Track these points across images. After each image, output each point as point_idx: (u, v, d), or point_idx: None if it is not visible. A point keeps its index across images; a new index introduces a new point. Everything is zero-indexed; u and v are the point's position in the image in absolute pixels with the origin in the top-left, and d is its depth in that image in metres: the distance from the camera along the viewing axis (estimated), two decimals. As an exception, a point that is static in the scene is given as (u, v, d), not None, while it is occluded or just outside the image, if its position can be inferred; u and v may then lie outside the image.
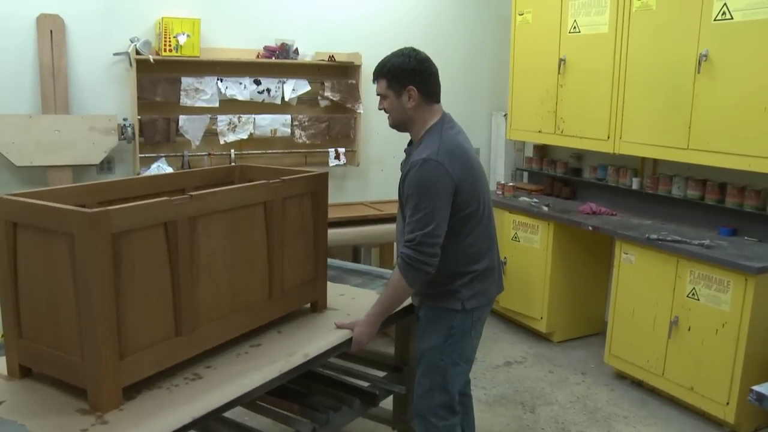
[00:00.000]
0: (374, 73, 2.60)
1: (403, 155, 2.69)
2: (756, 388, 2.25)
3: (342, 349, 2.60)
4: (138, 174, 4.46)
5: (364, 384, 3.01)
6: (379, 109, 2.66)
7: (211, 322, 2.27)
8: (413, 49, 2.60)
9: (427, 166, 2.42)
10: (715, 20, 3.71)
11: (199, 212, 2.16)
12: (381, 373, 3.19)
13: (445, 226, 2.45)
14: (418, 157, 2.45)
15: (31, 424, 1.85)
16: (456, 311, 2.60)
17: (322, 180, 2.73)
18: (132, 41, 4.38)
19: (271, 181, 2.47)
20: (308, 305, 2.81)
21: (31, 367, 2.10)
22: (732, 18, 3.63)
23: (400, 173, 2.62)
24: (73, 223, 1.84)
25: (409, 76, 2.52)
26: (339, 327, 2.60)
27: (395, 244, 2.85)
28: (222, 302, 2.31)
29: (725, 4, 3.64)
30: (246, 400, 2.21)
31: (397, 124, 2.63)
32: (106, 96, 4.48)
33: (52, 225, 1.89)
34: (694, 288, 3.67)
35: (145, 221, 1.98)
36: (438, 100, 2.63)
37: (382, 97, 2.59)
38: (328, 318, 2.75)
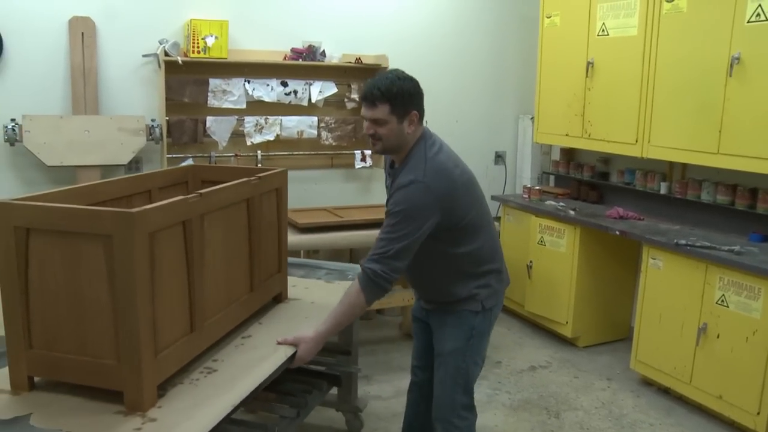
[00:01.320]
0: (373, 98, 2.42)
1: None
2: (787, 397, 2.21)
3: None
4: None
5: (322, 368, 3.09)
6: (370, 133, 2.49)
7: (214, 316, 2.34)
8: (404, 72, 2.52)
9: (412, 188, 2.40)
10: (748, 22, 3.65)
11: (206, 210, 2.22)
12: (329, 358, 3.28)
13: (414, 250, 2.44)
14: (405, 178, 2.42)
15: (78, 430, 1.85)
16: (476, 312, 2.63)
17: (283, 177, 2.85)
18: (161, 43, 4.42)
19: (251, 179, 2.56)
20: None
21: (46, 377, 2.06)
22: (767, 19, 3.57)
23: (387, 194, 2.65)
24: (113, 224, 1.84)
25: (414, 100, 2.47)
26: (281, 343, 2.45)
27: None
28: (221, 296, 2.39)
29: (760, 5, 3.58)
30: (264, 387, 2.28)
31: (391, 149, 2.53)
32: (135, 97, 4.53)
33: (82, 227, 1.88)
34: (723, 295, 3.61)
35: (169, 220, 2.01)
36: (423, 121, 2.58)
37: (379, 122, 2.44)
38: (294, 308, 2.90)
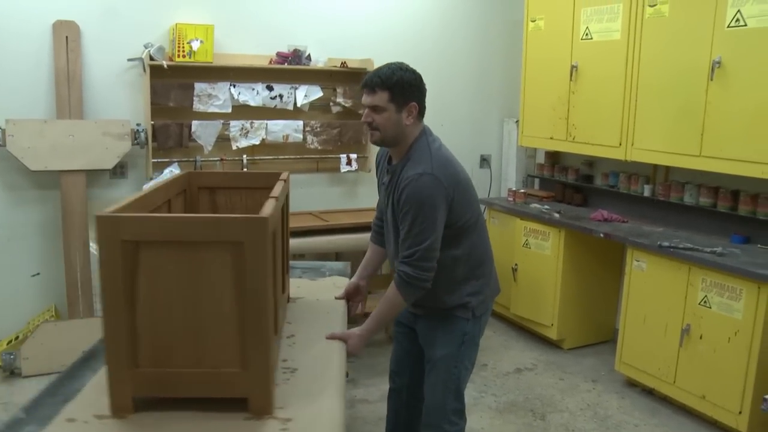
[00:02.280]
0: (373, 84, 2.45)
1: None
2: (768, 396, 2.24)
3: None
4: (151, 179, 4.49)
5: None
6: (367, 121, 2.51)
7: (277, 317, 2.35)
8: (407, 64, 2.54)
9: (423, 180, 2.40)
10: (728, 27, 3.70)
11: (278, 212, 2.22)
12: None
13: (440, 240, 2.46)
14: (413, 171, 2.43)
15: None
16: (467, 319, 2.64)
17: (287, 180, 2.78)
18: (146, 47, 4.41)
19: (282, 179, 2.54)
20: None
21: (154, 395, 1.97)
22: (746, 25, 3.61)
23: (381, 188, 2.69)
24: (245, 230, 1.82)
25: (414, 91, 2.50)
26: (330, 338, 2.46)
27: (389, 259, 2.87)
28: (277, 295, 2.34)
29: (739, 10, 3.63)
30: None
31: (387, 140, 2.52)
32: (120, 101, 4.51)
33: (206, 236, 1.84)
34: (706, 296, 3.65)
35: (275, 224, 2.03)
36: (423, 117, 2.62)
37: (377, 109, 2.46)
38: (304, 306, 2.87)
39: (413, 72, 2.52)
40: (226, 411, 1.94)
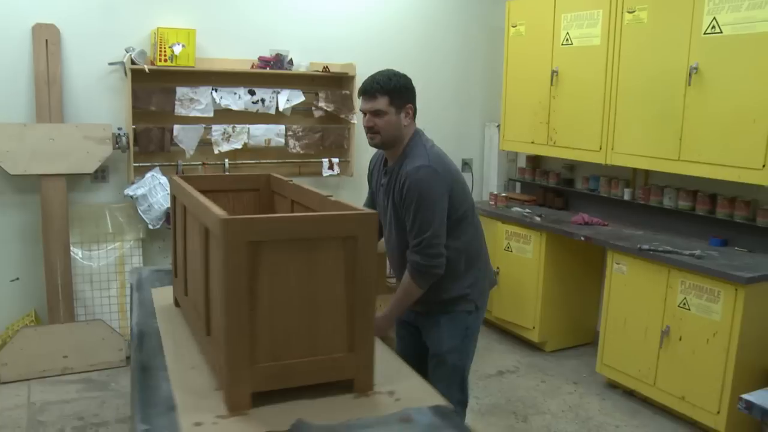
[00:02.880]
0: (373, 90, 2.60)
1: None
2: (745, 396, 2.27)
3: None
4: (132, 183, 4.47)
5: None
6: (368, 126, 2.64)
7: None
8: (397, 70, 2.70)
9: (422, 172, 2.54)
10: (705, 34, 3.76)
11: None
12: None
13: (445, 228, 2.57)
14: (411, 166, 2.56)
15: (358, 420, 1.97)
16: (469, 312, 2.74)
17: None
18: (127, 51, 4.40)
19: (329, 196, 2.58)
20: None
21: (272, 388, 2.01)
22: (721, 32, 3.68)
23: (379, 190, 2.76)
24: (359, 225, 2.00)
25: (410, 94, 2.67)
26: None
27: (387, 257, 2.93)
28: None
29: (714, 18, 3.69)
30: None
31: (387, 142, 2.65)
32: (101, 105, 4.49)
33: (323, 233, 1.97)
34: (685, 298, 3.70)
35: None
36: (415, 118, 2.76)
37: (377, 113, 2.60)
38: None
39: (406, 76, 2.69)
40: (332, 394, 2.07)
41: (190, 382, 2.13)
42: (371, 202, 2.93)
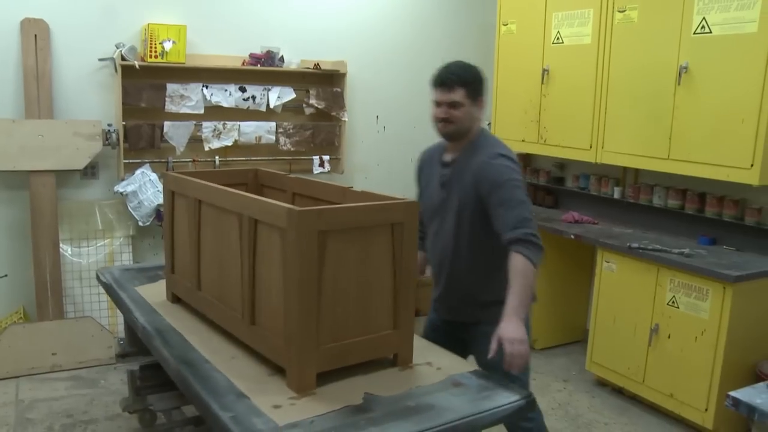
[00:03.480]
0: (449, 82, 2.60)
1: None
2: (733, 393, 2.28)
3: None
4: (122, 179, 4.45)
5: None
6: (442, 118, 2.63)
7: None
8: (468, 62, 2.70)
9: (503, 159, 2.56)
10: (694, 33, 3.78)
11: None
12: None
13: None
14: (489, 153, 2.58)
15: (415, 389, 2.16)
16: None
17: None
18: (117, 47, 4.38)
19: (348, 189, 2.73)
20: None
21: (332, 367, 2.18)
22: (711, 32, 3.69)
23: (430, 184, 2.74)
24: (404, 212, 2.21)
25: (483, 86, 2.69)
26: (493, 351, 2.33)
27: (434, 253, 2.81)
28: None
29: (704, 18, 3.71)
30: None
31: (460, 132, 2.66)
32: (91, 101, 4.47)
33: (376, 220, 2.17)
34: (674, 296, 3.72)
35: None
36: None
37: (455, 104, 2.60)
38: None
39: (478, 68, 2.69)
40: (378, 369, 2.27)
41: (240, 371, 2.24)
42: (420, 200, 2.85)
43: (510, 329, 2.33)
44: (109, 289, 3.19)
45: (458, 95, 2.60)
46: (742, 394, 2.28)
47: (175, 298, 2.92)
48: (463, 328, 2.75)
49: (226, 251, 2.44)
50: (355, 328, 2.18)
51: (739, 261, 3.71)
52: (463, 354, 2.60)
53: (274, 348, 2.19)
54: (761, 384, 2.38)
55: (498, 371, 2.38)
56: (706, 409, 3.58)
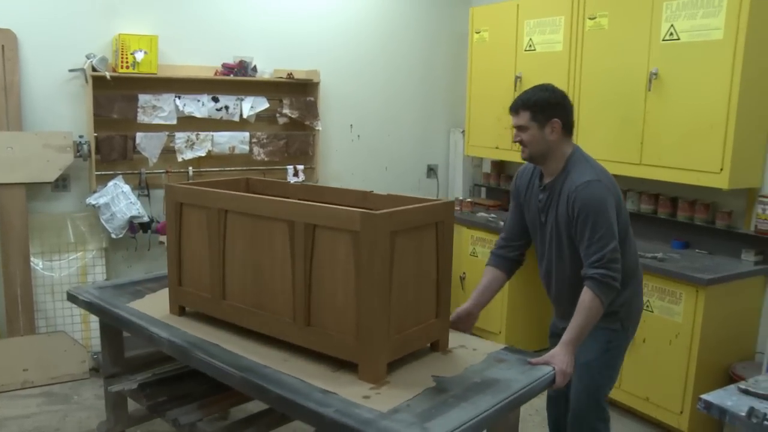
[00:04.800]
0: (515, 107, 2.65)
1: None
2: (704, 396, 2.31)
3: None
4: (94, 191, 4.40)
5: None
6: (515, 141, 2.69)
7: None
8: (553, 85, 2.68)
9: (593, 187, 2.53)
10: (663, 40, 3.83)
11: None
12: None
13: (617, 244, 2.53)
14: (580, 181, 2.54)
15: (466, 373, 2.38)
16: (614, 330, 2.70)
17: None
18: (88, 57, 4.33)
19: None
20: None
21: (397, 357, 2.36)
22: (679, 39, 3.75)
23: (531, 206, 2.76)
24: (444, 211, 2.41)
25: (555, 108, 2.62)
26: (534, 363, 2.47)
27: (548, 280, 2.92)
28: None
29: (672, 25, 3.77)
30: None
31: (535, 156, 2.66)
32: (62, 113, 4.41)
33: (426, 219, 2.35)
34: (648, 300, 3.75)
35: None
36: (572, 133, 2.71)
37: (522, 128, 2.63)
38: None
39: (553, 91, 2.65)
40: (422, 355, 2.49)
41: (304, 371, 2.34)
42: (518, 215, 2.89)
43: (564, 360, 2.46)
44: (96, 307, 3.11)
45: (522, 119, 2.63)
46: (714, 396, 2.30)
47: (181, 311, 2.91)
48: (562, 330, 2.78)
49: (265, 258, 2.51)
50: (411, 319, 2.36)
51: (710, 264, 3.76)
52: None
53: (339, 345, 2.32)
54: (732, 386, 2.40)
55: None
56: (681, 412, 3.61)
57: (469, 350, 2.59)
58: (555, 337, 2.91)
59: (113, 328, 3.18)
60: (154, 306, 3.02)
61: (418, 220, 2.32)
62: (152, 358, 3.35)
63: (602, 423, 2.80)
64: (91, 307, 3.15)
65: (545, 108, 2.60)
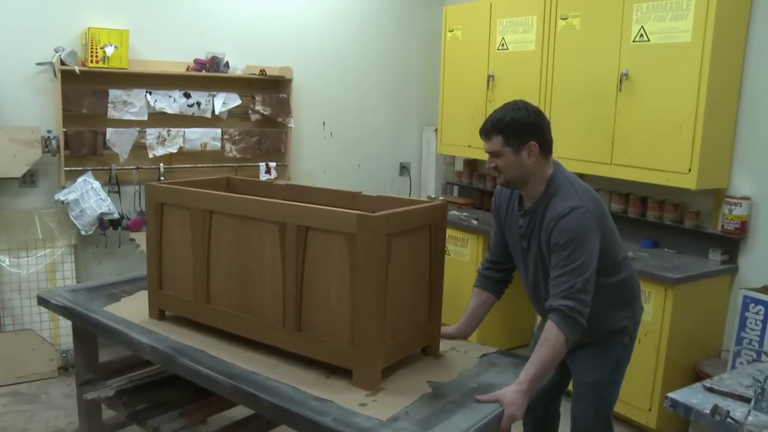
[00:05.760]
0: (486, 130, 2.41)
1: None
2: (671, 394, 2.35)
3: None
4: (63, 187, 4.34)
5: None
6: (489, 167, 2.47)
7: None
8: (525, 102, 2.45)
9: (575, 215, 2.32)
10: (633, 41, 3.87)
11: None
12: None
13: (594, 275, 2.34)
14: (563, 207, 2.34)
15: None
16: (623, 345, 2.62)
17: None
18: (56, 51, 4.26)
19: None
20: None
21: (390, 363, 2.32)
22: (649, 40, 3.79)
23: (519, 236, 2.55)
24: (439, 213, 2.41)
25: (530, 130, 2.38)
26: (483, 401, 2.20)
27: (536, 303, 2.76)
28: None
29: (642, 26, 3.81)
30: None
31: (512, 181, 2.45)
32: (29, 107, 4.34)
33: (421, 222, 2.35)
34: (617, 298, 3.79)
35: None
36: (551, 152, 2.50)
37: (495, 154, 2.40)
38: None
39: (526, 110, 2.41)
40: (413, 361, 2.45)
41: (296, 378, 2.29)
42: (500, 236, 2.71)
43: (515, 403, 2.19)
44: (71, 312, 3.01)
45: (495, 144, 2.39)
46: (680, 395, 2.34)
47: (161, 315, 2.83)
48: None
49: (253, 261, 2.45)
50: (405, 323, 2.34)
51: (679, 263, 3.81)
52: (563, 371, 2.72)
53: (332, 350, 2.27)
54: (697, 384, 2.44)
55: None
56: (650, 409, 3.66)
57: (460, 353, 2.58)
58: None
59: (87, 332, 3.08)
60: (132, 310, 2.93)
61: (413, 222, 2.30)
62: (127, 363, 3.27)
63: None
64: (65, 311, 3.05)
65: (519, 130, 2.36)
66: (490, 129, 2.40)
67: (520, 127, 2.37)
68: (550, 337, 2.27)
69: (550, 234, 2.36)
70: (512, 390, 2.21)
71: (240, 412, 3.04)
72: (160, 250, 2.78)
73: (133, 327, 2.75)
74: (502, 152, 2.39)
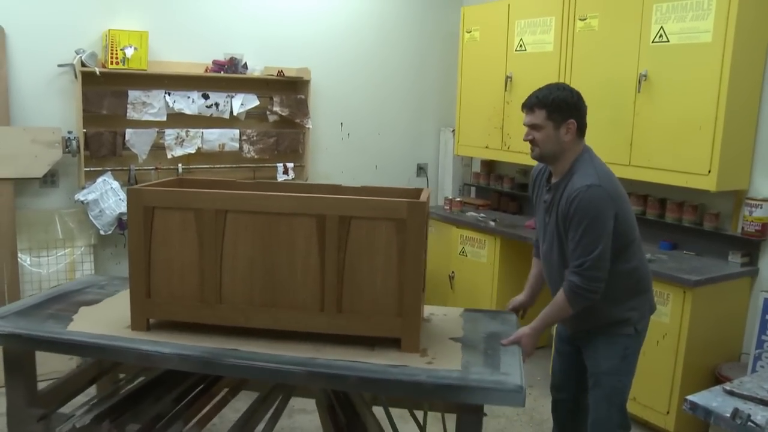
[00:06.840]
0: (530, 104, 2.60)
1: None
2: (690, 397, 2.33)
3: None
4: (83, 187, 4.38)
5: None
6: (526, 139, 2.65)
7: None
8: (565, 84, 2.68)
9: (592, 192, 2.48)
10: (653, 42, 3.84)
11: None
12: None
13: (609, 252, 2.50)
14: (580, 184, 2.50)
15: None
16: (629, 335, 2.69)
17: None
18: (77, 53, 4.31)
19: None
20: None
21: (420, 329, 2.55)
22: (668, 41, 3.77)
23: (545, 209, 2.71)
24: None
25: (572, 109, 2.59)
26: (506, 344, 2.61)
27: (545, 273, 2.94)
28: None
29: (662, 27, 3.79)
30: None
31: (546, 156, 2.64)
32: (50, 108, 4.39)
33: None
34: (635, 301, 3.77)
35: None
36: (584, 135, 2.68)
37: (536, 127, 2.59)
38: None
39: (570, 91, 2.62)
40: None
41: (349, 355, 2.44)
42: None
43: (528, 344, 2.64)
44: (27, 338, 2.64)
45: (538, 118, 2.58)
46: (699, 397, 2.32)
47: (147, 325, 2.65)
48: (576, 334, 2.87)
49: (281, 255, 2.52)
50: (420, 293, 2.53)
51: (698, 265, 3.78)
52: (580, 356, 2.86)
53: (379, 324, 2.48)
54: (717, 387, 2.42)
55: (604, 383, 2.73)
56: (668, 412, 3.63)
57: (440, 317, 2.93)
58: (562, 339, 3.03)
59: (22, 360, 2.78)
60: (101, 325, 2.69)
61: (426, 210, 2.50)
62: (64, 389, 3.03)
63: (624, 429, 2.79)
64: (18, 339, 2.66)
65: (562, 108, 2.57)
66: (535, 103, 2.59)
67: (564, 104, 2.57)
68: (559, 301, 2.61)
69: (567, 209, 2.53)
70: (526, 332, 2.64)
71: (230, 409, 3.08)
72: (149, 257, 2.61)
73: (141, 342, 2.55)
74: (543, 126, 2.58)
